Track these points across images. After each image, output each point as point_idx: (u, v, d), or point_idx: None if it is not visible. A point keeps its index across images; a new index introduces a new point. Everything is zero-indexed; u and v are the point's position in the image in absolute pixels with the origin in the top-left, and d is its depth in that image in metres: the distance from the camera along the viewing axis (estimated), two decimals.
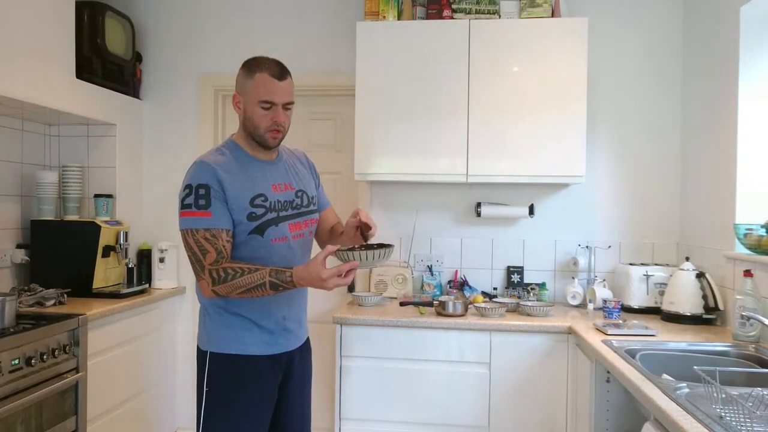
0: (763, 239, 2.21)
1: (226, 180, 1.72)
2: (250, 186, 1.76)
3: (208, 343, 1.80)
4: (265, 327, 1.80)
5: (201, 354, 1.82)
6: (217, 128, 3.39)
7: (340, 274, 1.63)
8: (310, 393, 2.03)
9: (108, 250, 2.92)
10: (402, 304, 2.76)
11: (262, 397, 1.80)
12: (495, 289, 3.10)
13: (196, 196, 1.70)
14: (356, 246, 1.80)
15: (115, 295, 2.83)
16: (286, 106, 1.78)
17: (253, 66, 1.77)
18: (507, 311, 2.71)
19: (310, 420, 2.03)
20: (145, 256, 3.25)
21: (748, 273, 2.21)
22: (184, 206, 1.71)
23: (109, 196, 3.07)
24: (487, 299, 2.92)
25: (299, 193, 1.88)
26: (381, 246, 1.70)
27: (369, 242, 1.84)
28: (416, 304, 2.72)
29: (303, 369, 1.96)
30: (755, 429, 1.31)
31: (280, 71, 1.76)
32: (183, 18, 3.37)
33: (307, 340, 2.00)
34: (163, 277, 3.22)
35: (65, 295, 2.69)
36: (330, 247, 1.65)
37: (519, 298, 2.96)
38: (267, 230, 1.76)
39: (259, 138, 1.79)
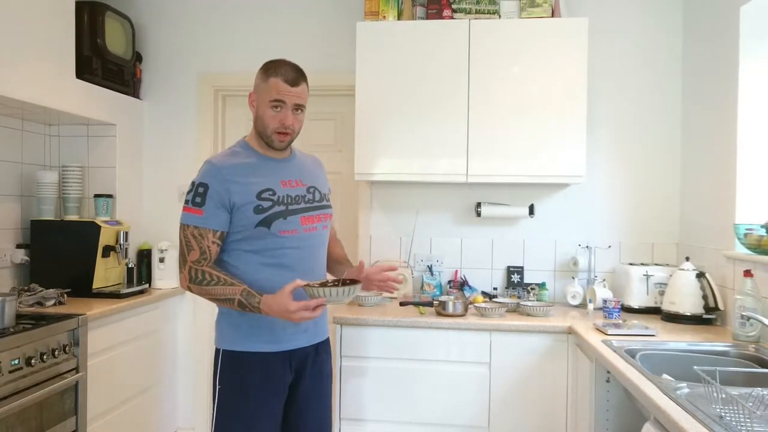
0: (763, 239, 2.21)
1: (230, 178, 1.77)
2: (257, 181, 1.80)
3: (220, 341, 1.85)
4: (276, 322, 1.78)
5: (215, 352, 1.85)
6: (217, 128, 3.39)
7: (308, 308, 1.66)
8: (329, 394, 1.99)
9: (108, 250, 2.92)
10: (402, 304, 2.76)
11: (271, 394, 1.81)
12: (495, 289, 3.09)
13: (195, 193, 1.77)
14: (328, 281, 1.80)
15: (115, 295, 2.83)
16: (297, 108, 1.82)
17: (270, 69, 1.81)
18: (507, 311, 2.71)
19: (330, 423, 2.00)
20: (145, 256, 3.25)
21: (748, 273, 2.21)
22: (185, 201, 1.79)
23: (109, 196, 3.07)
24: (487, 299, 2.92)
25: (311, 189, 1.91)
26: (346, 283, 1.72)
27: (342, 277, 1.87)
28: (416, 304, 2.72)
29: (319, 368, 1.93)
30: (755, 429, 1.31)
31: (295, 77, 1.80)
32: (183, 18, 3.37)
33: (327, 340, 1.98)
34: (163, 277, 3.22)
35: (65, 295, 2.69)
36: (298, 282, 1.68)
37: (519, 298, 2.95)
38: (274, 222, 1.79)
39: (267, 138, 1.84)
